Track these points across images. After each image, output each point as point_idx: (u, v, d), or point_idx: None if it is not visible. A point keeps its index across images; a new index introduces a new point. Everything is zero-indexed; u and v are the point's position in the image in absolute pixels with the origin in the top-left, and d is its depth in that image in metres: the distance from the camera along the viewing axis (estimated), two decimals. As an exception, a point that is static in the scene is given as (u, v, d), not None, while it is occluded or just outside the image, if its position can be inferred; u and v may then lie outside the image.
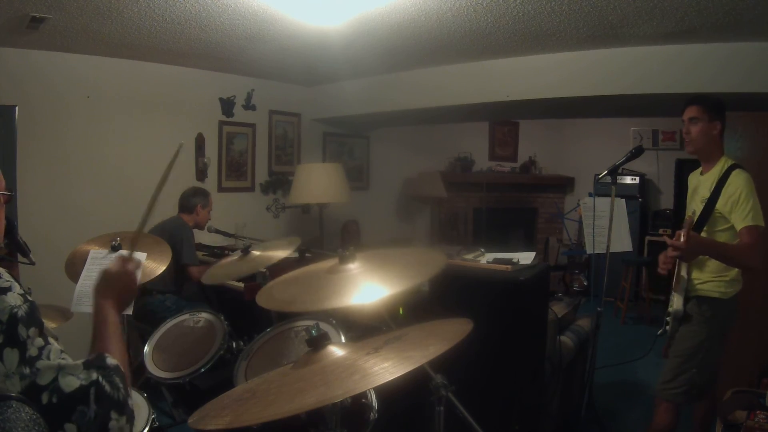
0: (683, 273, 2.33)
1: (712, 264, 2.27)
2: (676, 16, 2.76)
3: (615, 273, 3.39)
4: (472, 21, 2.97)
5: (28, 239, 1.87)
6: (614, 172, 2.75)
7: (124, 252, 1.34)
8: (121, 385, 0.98)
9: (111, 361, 1.00)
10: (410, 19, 2.95)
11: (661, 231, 6.16)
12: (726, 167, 2.26)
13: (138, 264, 1.29)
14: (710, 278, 2.29)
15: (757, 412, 2.35)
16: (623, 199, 3.39)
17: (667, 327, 2.39)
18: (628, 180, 6.22)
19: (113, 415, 0.94)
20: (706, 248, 2.19)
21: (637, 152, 2.69)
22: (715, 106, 2.30)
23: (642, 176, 6.25)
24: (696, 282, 2.32)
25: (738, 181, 2.19)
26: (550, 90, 3.71)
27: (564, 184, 7.31)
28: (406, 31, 3.18)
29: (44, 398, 0.89)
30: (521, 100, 3.87)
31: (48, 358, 0.93)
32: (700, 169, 2.45)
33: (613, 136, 6.59)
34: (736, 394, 2.63)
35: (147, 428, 1.75)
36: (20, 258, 1.86)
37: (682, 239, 2.03)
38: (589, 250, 3.28)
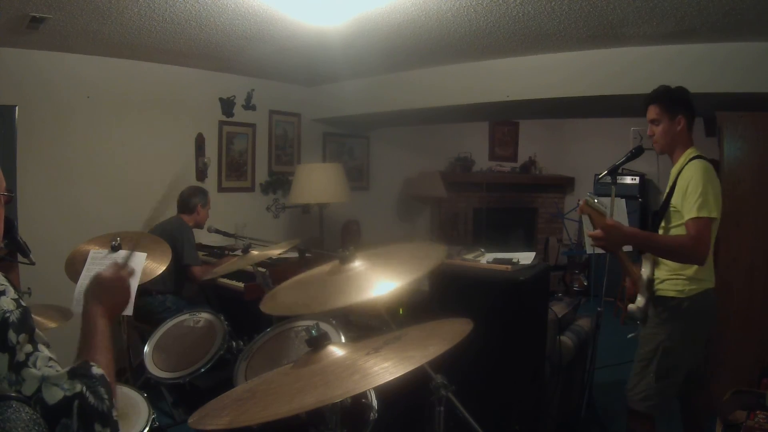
0: (642, 271, 2.25)
1: (670, 261, 2.16)
2: (676, 17, 2.76)
3: (615, 273, 3.38)
4: (472, 21, 2.97)
5: (28, 239, 1.87)
6: (614, 172, 2.74)
7: (119, 258, 1.32)
8: (105, 396, 0.96)
9: (96, 370, 0.99)
10: (410, 19, 2.95)
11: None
12: (687, 160, 2.15)
13: (132, 271, 1.27)
14: (667, 276, 2.18)
15: (757, 412, 2.35)
16: (623, 199, 3.39)
17: (630, 315, 2.31)
18: (628, 180, 6.21)
19: (97, 427, 0.93)
20: (630, 238, 2.09)
21: (637, 152, 2.68)
22: (674, 102, 2.20)
23: (642, 176, 6.24)
24: (656, 281, 2.22)
25: (690, 171, 2.07)
26: (550, 90, 3.71)
27: (564, 184, 7.30)
28: (406, 31, 3.17)
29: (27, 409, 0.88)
30: (521, 100, 3.87)
31: (35, 365, 0.92)
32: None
33: (613, 136, 6.58)
34: (736, 394, 2.63)
35: (147, 428, 1.75)
36: (20, 258, 1.86)
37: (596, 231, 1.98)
38: (589, 250, 3.28)
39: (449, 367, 1.39)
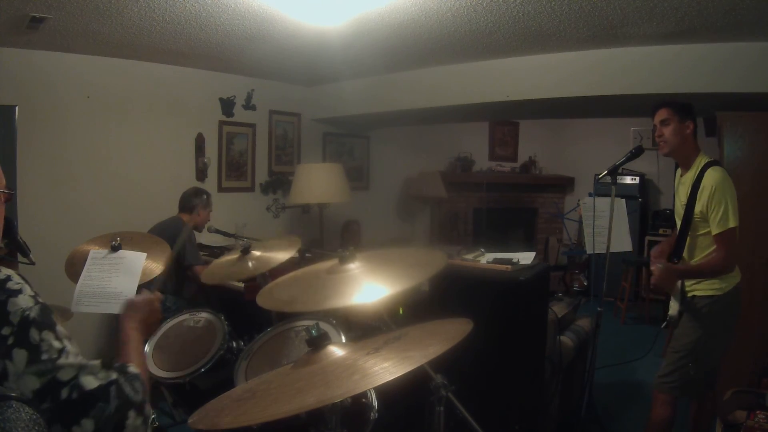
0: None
1: None
2: (676, 16, 2.76)
3: (615, 273, 3.39)
4: (472, 21, 2.97)
5: (28, 239, 1.87)
6: (614, 172, 2.75)
7: (152, 295, 1.48)
8: (140, 389, 1.02)
9: (132, 369, 1.05)
10: (410, 19, 2.95)
11: (661, 231, 6.15)
12: (701, 166, 2.30)
13: (161, 298, 1.46)
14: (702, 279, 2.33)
15: (757, 412, 2.36)
16: (623, 199, 3.39)
17: (669, 322, 2.44)
18: (628, 180, 6.22)
19: (131, 414, 0.97)
20: (684, 274, 2.31)
21: (637, 152, 2.69)
22: (684, 108, 2.35)
23: (642, 176, 6.25)
24: (689, 283, 2.36)
25: (710, 181, 2.23)
26: (550, 90, 3.71)
27: (564, 184, 7.30)
28: (406, 31, 3.17)
29: (63, 393, 0.91)
30: (521, 100, 3.87)
31: (67, 359, 0.95)
32: (681, 170, 2.49)
33: (613, 136, 6.59)
34: (736, 394, 2.63)
35: (147, 428, 1.75)
36: (20, 258, 1.85)
37: (654, 275, 2.24)
38: (589, 250, 3.28)
39: (449, 367, 1.39)
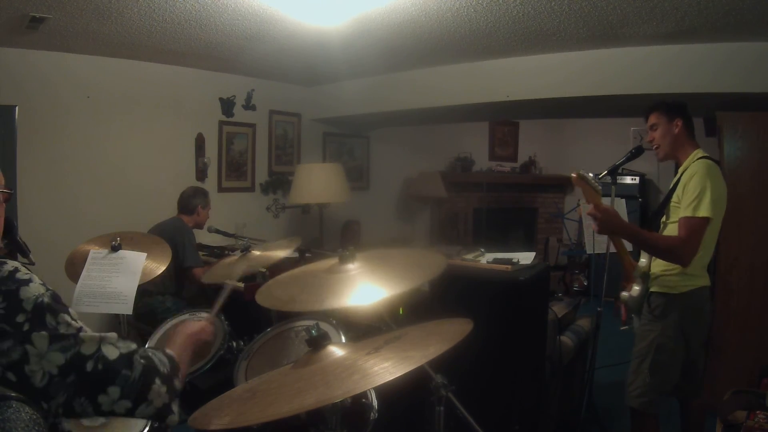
0: (640, 261, 2.28)
1: None
2: (676, 16, 2.76)
3: (615, 273, 3.38)
4: (472, 21, 2.97)
5: (28, 239, 1.86)
6: (614, 172, 2.74)
7: (209, 317, 1.56)
8: (167, 363, 1.07)
9: (169, 352, 1.12)
10: (410, 19, 2.95)
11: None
12: (693, 159, 2.20)
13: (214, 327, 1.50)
14: (660, 272, 2.21)
15: (757, 412, 2.35)
16: (623, 199, 3.39)
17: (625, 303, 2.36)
18: (628, 180, 6.21)
19: (157, 380, 1.01)
20: (623, 227, 2.10)
21: (637, 152, 2.69)
22: (671, 107, 2.28)
23: (642, 176, 6.24)
24: (651, 276, 2.25)
25: (694, 170, 2.10)
26: (550, 90, 3.71)
27: (564, 184, 7.30)
28: (406, 31, 3.17)
29: (89, 366, 0.94)
30: (521, 100, 3.87)
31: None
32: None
33: (613, 136, 6.58)
34: (736, 394, 2.63)
35: (147, 428, 1.75)
36: (20, 258, 1.85)
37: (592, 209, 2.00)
38: (589, 250, 3.29)
39: (449, 367, 1.39)
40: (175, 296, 3.49)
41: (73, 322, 0.97)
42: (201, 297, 3.96)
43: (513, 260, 2.42)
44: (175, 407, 1.04)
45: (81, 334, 0.96)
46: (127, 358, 0.98)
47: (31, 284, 0.96)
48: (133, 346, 1.02)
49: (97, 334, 0.98)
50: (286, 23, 3.02)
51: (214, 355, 2.27)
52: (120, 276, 2.09)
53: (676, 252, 2.05)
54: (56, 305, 0.96)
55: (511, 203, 7.11)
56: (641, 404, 2.23)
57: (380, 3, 2.71)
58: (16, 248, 1.83)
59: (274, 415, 0.96)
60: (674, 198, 2.17)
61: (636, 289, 2.27)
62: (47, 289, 0.98)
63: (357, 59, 3.91)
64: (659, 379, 2.20)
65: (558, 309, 2.99)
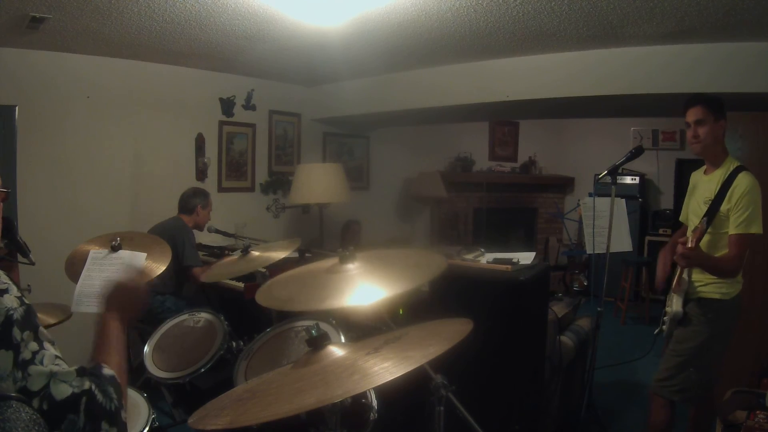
0: (684, 275, 2.35)
1: None
2: (676, 16, 2.76)
3: (615, 273, 3.39)
4: (472, 21, 2.97)
5: (28, 239, 1.87)
6: (614, 172, 2.75)
7: (139, 263, 1.36)
8: (114, 396, 0.97)
9: (107, 371, 1.00)
10: (410, 19, 2.95)
11: (661, 231, 6.16)
12: (732, 168, 2.27)
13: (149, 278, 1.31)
14: (711, 280, 2.30)
15: (757, 412, 2.35)
16: (623, 199, 3.39)
17: (664, 327, 2.42)
18: (628, 180, 6.22)
19: (104, 425, 0.94)
20: (704, 261, 2.25)
21: (637, 152, 2.69)
22: (718, 106, 2.30)
23: (642, 176, 6.25)
24: (697, 284, 2.33)
25: (743, 183, 2.20)
26: (550, 90, 3.71)
27: (564, 184, 7.31)
28: (406, 31, 3.17)
29: (35, 404, 0.89)
30: (521, 100, 3.87)
31: (41, 363, 0.93)
32: (704, 168, 2.45)
33: (613, 136, 6.59)
34: (736, 394, 2.63)
35: (147, 428, 1.75)
36: (20, 258, 1.86)
37: (689, 245, 2.11)
38: (589, 250, 3.28)
39: (449, 367, 1.39)
40: (175, 296, 3.49)
41: (32, 344, 0.93)
42: (201, 296, 3.97)
43: (513, 260, 2.42)
44: None
45: (31, 368, 0.90)
46: (75, 401, 0.91)
47: (5, 296, 0.93)
48: (86, 385, 0.94)
49: (47, 370, 0.92)
50: (286, 23, 3.02)
51: (214, 356, 2.27)
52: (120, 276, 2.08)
53: (731, 271, 2.23)
54: (26, 321, 0.93)
55: (511, 203, 7.11)
56: (684, 398, 2.35)
57: (380, 3, 2.71)
58: (16, 248, 1.84)
59: (274, 415, 0.96)
60: (723, 209, 2.24)
61: (678, 301, 2.36)
62: (22, 304, 0.95)
63: (357, 59, 3.91)
64: (706, 378, 2.34)
65: (558, 309, 2.99)
